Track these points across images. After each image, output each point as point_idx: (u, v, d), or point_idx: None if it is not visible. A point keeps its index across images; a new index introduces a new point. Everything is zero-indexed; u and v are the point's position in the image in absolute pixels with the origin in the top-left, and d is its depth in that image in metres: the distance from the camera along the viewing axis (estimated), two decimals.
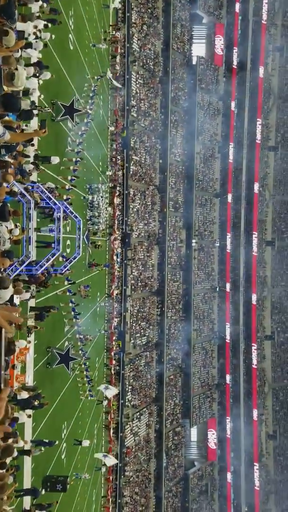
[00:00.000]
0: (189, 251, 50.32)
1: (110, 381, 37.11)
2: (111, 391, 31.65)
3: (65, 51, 21.92)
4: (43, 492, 17.66)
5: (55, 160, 18.20)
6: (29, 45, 14.97)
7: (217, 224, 53.73)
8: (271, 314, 55.99)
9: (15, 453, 9.86)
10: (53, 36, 17.52)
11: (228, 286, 52.19)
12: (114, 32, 37.59)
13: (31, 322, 16.38)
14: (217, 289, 53.40)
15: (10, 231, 8.97)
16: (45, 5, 16.84)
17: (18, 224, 10.18)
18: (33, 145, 16.23)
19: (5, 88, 5.16)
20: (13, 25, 5.40)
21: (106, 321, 36.40)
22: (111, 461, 31.80)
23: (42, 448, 15.17)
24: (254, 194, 52.58)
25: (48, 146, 19.31)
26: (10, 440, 9.20)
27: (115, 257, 38.49)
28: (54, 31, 18.46)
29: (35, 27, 15.25)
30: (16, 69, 5.08)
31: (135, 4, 43.06)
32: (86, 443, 24.53)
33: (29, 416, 11.91)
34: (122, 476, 39.60)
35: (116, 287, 39.08)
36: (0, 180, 7.95)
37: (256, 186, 52.58)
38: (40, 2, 15.85)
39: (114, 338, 38.12)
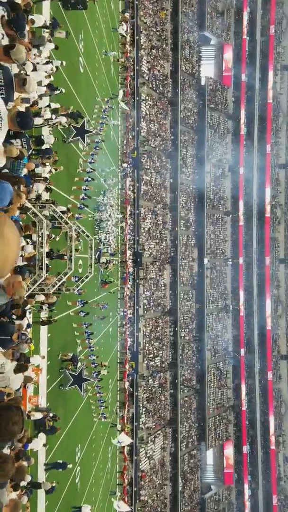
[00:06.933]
0: (201, 269, 49.98)
1: (124, 403, 36.54)
2: (125, 441, 31.69)
3: (76, 74, 22.24)
4: None
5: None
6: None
7: (229, 242, 53.45)
8: (286, 333, 55.10)
9: (29, 478, 9.58)
10: (64, 63, 17.75)
11: (241, 304, 51.58)
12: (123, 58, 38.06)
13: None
14: (231, 308, 52.78)
15: (22, 248, 8.82)
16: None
17: (29, 240, 10.02)
18: (45, 165, 16.33)
19: (16, 94, 5.13)
20: (23, 39, 5.40)
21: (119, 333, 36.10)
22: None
23: (55, 483, 14.75)
24: (265, 211, 52.36)
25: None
26: (23, 462, 8.96)
27: (127, 276, 38.36)
28: (65, 54, 18.75)
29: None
30: (27, 74, 5.06)
31: (144, 28, 43.80)
32: (86, 509, 20.33)
33: (44, 445, 11.56)
34: (138, 501, 38.67)
35: (128, 307, 38.82)
36: (13, 198, 7.82)
37: (267, 204, 52.40)
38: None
39: (128, 357, 37.71)
